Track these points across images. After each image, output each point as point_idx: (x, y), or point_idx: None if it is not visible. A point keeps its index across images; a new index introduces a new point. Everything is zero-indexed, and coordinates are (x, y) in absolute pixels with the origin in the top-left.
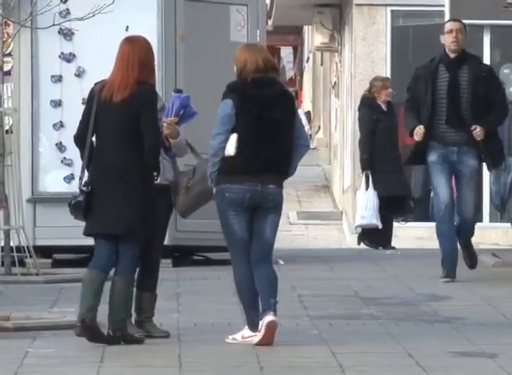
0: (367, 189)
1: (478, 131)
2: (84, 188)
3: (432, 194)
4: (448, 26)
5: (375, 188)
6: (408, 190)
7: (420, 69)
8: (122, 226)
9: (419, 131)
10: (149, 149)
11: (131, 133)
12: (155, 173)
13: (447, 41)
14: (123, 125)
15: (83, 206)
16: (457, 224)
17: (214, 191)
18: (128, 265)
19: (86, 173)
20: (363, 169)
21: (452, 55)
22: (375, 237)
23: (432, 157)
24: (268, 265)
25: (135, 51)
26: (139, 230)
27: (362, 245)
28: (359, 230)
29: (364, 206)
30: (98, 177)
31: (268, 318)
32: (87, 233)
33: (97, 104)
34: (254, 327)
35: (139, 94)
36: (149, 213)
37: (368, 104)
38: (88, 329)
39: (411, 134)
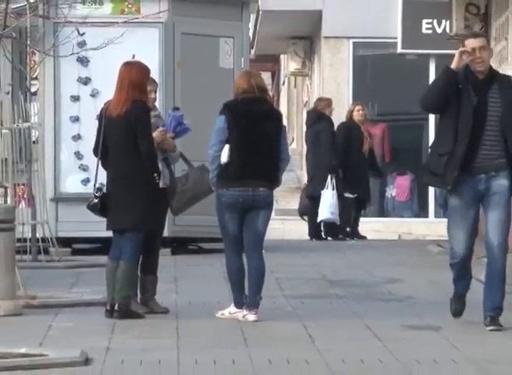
0: (333, 189)
1: None
2: (97, 193)
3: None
4: (468, 44)
5: (346, 190)
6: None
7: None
8: (128, 224)
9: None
10: (144, 155)
11: (131, 144)
12: (156, 175)
13: (471, 61)
14: (123, 137)
15: (97, 208)
16: (487, 264)
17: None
18: (129, 252)
19: (98, 180)
20: (332, 172)
21: (480, 76)
22: (339, 231)
23: (455, 196)
24: (259, 253)
25: (126, 73)
26: (141, 226)
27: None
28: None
29: (333, 204)
30: (110, 182)
31: (251, 317)
32: (107, 229)
33: (104, 121)
34: (239, 305)
35: (132, 111)
36: (153, 210)
37: (326, 119)
38: (121, 313)
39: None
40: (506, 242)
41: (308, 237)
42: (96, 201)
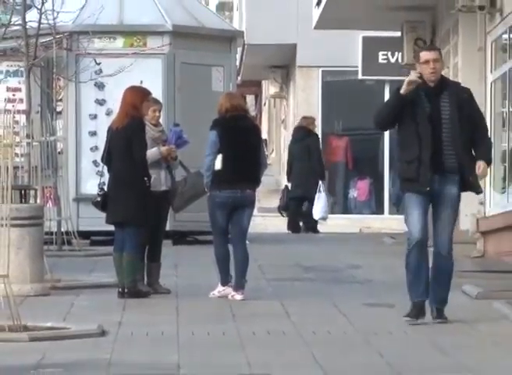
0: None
1: (483, 169)
2: (101, 192)
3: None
4: (423, 56)
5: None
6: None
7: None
8: (123, 217)
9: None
10: (137, 161)
11: (128, 152)
12: (146, 179)
13: (424, 71)
14: (121, 146)
15: (100, 204)
16: (433, 262)
17: (208, 194)
18: (130, 244)
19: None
20: (323, 178)
21: (431, 84)
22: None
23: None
24: (243, 244)
25: (126, 95)
26: (135, 220)
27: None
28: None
29: (325, 204)
30: (111, 184)
31: (238, 297)
32: (106, 222)
33: (110, 133)
34: (225, 283)
35: (129, 125)
36: (146, 208)
37: (313, 134)
38: (130, 294)
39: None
40: (451, 243)
41: (287, 231)
42: (98, 199)
